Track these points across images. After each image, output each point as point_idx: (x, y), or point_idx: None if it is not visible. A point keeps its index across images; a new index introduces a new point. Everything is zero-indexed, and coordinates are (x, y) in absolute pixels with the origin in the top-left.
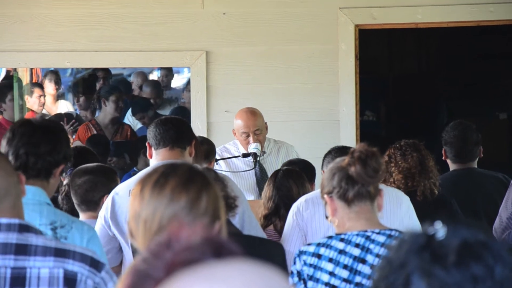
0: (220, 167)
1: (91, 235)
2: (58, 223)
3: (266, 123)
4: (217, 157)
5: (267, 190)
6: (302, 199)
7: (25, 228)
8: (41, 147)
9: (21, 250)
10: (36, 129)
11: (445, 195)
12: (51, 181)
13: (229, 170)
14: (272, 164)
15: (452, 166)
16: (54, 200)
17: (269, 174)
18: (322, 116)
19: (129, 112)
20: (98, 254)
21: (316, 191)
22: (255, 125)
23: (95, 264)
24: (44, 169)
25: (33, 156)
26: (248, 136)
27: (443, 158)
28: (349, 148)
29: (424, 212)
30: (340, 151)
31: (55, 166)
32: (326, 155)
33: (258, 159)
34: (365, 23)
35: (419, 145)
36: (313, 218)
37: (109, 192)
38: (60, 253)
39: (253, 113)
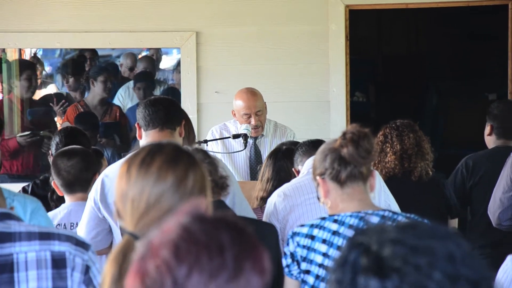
0: (212, 147)
1: (34, 207)
2: None
3: (265, 103)
4: (216, 134)
5: (266, 171)
6: (276, 195)
7: (6, 216)
8: None
9: (5, 237)
10: None
11: (437, 176)
12: None
13: (225, 151)
14: (266, 146)
15: (496, 143)
16: (45, 181)
17: (263, 156)
18: (312, 97)
19: (119, 92)
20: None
21: (293, 181)
22: (256, 106)
23: (80, 244)
24: None
25: None
26: (249, 117)
27: (487, 134)
28: (319, 141)
29: (417, 193)
30: (308, 144)
31: None
32: (295, 151)
33: (248, 140)
34: (355, 3)
35: (414, 126)
36: (292, 209)
37: (97, 171)
38: (45, 236)
39: (253, 94)
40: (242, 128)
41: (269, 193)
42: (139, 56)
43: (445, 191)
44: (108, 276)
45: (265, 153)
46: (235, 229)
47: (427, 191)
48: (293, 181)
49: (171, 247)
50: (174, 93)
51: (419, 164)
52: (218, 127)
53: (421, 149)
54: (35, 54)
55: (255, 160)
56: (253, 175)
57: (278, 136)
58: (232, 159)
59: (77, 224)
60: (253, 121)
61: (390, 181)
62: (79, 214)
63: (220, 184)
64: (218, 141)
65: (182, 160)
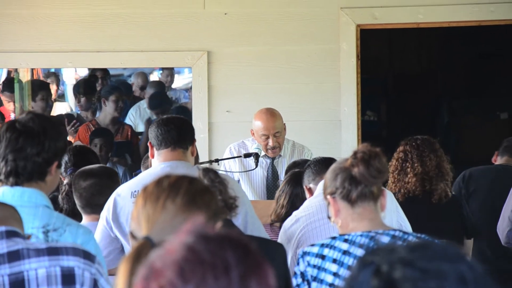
0: (230, 166)
1: (85, 238)
2: (51, 226)
3: (284, 123)
4: (234, 152)
5: (282, 196)
6: (288, 221)
7: (12, 234)
8: (27, 150)
9: (14, 256)
10: (21, 133)
11: (456, 196)
12: (48, 179)
13: (243, 169)
14: (284, 166)
15: (498, 161)
16: (54, 200)
17: (280, 176)
18: (324, 116)
19: (131, 111)
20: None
21: (306, 204)
22: (275, 128)
23: (88, 256)
24: (35, 172)
25: (21, 160)
26: (267, 138)
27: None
28: (330, 159)
29: (436, 215)
30: (320, 163)
31: (47, 165)
32: (306, 169)
33: (259, 159)
34: (367, 23)
35: (434, 144)
36: (309, 235)
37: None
38: (53, 251)
39: (272, 115)
40: (253, 147)
41: (280, 219)
42: (150, 80)
43: (463, 211)
44: (122, 277)
45: (282, 173)
46: (240, 247)
47: (445, 213)
48: (305, 203)
49: (176, 267)
50: (184, 112)
51: (439, 185)
52: (236, 145)
53: (441, 169)
54: (48, 71)
55: (272, 180)
56: (270, 194)
57: (296, 156)
58: (249, 178)
59: None
60: (270, 143)
61: (409, 202)
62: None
63: (229, 204)
64: (236, 159)
65: (182, 188)
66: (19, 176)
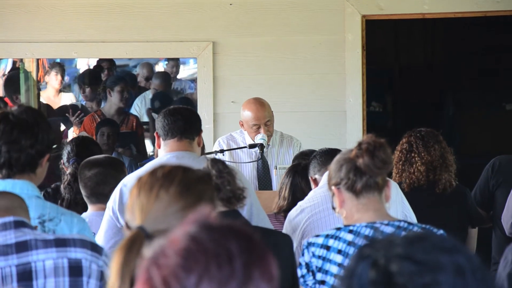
0: (224, 157)
1: (80, 227)
2: (47, 216)
3: (272, 112)
4: (223, 145)
5: (283, 188)
6: (293, 211)
7: (21, 224)
8: (21, 142)
9: (22, 247)
10: (15, 126)
11: (461, 187)
12: (38, 171)
13: (232, 160)
14: (274, 157)
15: None
16: (57, 189)
17: (271, 166)
18: (329, 107)
19: (136, 101)
20: None
21: (311, 195)
22: (265, 117)
23: (95, 248)
24: (28, 163)
25: (16, 152)
26: (259, 128)
27: None
28: (336, 150)
29: (441, 204)
30: (326, 154)
31: (40, 157)
32: (311, 160)
33: (264, 150)
34: (372, 13)
35: (438, 136)
36: (314, 225)
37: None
38: (61, 243)
39: (262, 104)
40: (258, 138)
41: (283, 211)
42: (155, 70)
43: (468, 200)
44: (116, 266)
45: (272, 163)
46: (243, 237)
47: (450, 203)
48: (310, 193)
49: (179, 257)
50: (187, 103)
51: (444, 176)
52: (225, 138)
53: (445, 160)
54: (53, 61)
55: (262, 171)
56: (261, 185)
57: (285, 146)
58: (240, 169)
59: (95, 234)
60: (262, 132)
61: (415, 192)
62: (98, 224)
63: (237, 195)
64: (226, 152)
65: (193, 193)
66: (12, 168)
